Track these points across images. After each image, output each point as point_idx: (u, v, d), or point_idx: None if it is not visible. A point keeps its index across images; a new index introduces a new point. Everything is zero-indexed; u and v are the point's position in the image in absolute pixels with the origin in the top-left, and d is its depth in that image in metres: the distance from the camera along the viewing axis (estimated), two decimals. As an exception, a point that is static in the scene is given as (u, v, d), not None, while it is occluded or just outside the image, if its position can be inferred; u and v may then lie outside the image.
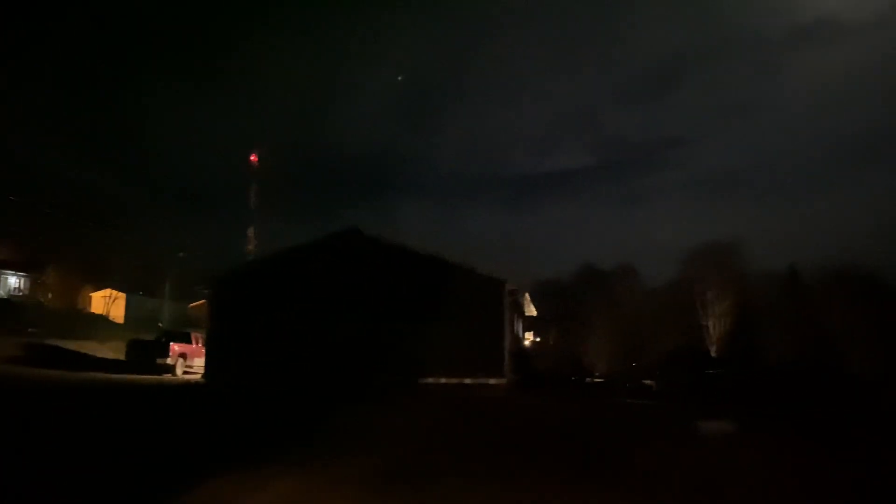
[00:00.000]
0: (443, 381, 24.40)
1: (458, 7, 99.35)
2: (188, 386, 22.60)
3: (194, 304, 47.32)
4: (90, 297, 50.08)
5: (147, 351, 28.35)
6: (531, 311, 45.85)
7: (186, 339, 29.79)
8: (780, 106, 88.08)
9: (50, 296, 45.75)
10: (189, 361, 28.64)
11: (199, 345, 28.36)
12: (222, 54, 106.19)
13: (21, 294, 45.15)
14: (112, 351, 32.69)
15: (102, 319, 45.18)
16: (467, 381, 26.06)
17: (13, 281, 45.92)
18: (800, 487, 8.27)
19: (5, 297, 43.34)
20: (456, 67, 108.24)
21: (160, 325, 45.11)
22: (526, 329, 44.03)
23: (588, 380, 40.55)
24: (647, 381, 40.64)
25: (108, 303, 49.05)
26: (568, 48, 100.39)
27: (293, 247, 26.48)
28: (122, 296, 49.71)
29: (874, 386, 35.73)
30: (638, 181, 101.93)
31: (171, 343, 28.44)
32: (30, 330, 33.97)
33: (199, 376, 25.99)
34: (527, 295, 44.83)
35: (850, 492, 8.22)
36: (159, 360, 27.47)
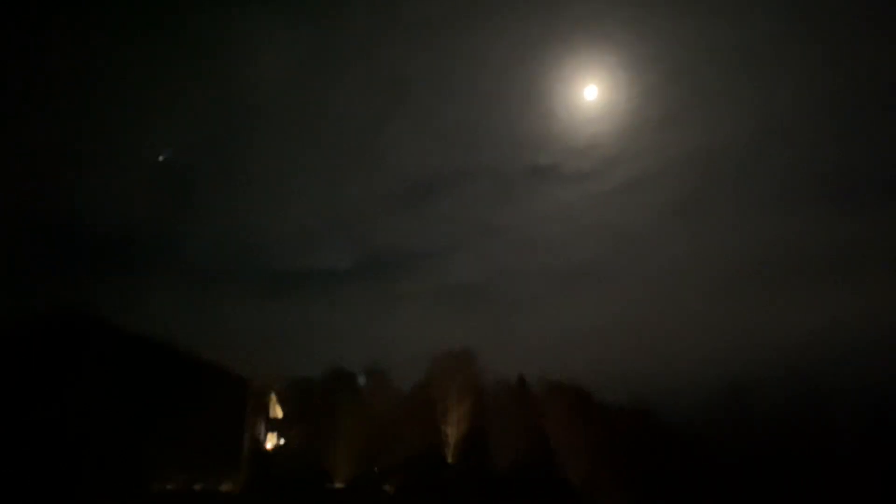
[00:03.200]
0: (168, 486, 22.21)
1: (230, 96, 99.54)
2: None
3: None
4: None
5: None
6: (276, 411, 44.10)
7: None
8: (517, 229, 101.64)
9: None
10: None
11: None
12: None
13: None
14: None
15: None
16: (197, 487, 23.95)
17: None
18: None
19: None
20: (224, 153, 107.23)
21: None
22: (270, 429, 42.16)
23: (329, 485, 39.79)
24: (387, 487, 41.15)
25: None
26: (336, 153, 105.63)
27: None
28: None
29: (581, 492, 40.54)
30: (391, 285, 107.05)
31: None
32: None
33: None
34: (273, 395, 43.27)
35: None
36: None
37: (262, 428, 41.72)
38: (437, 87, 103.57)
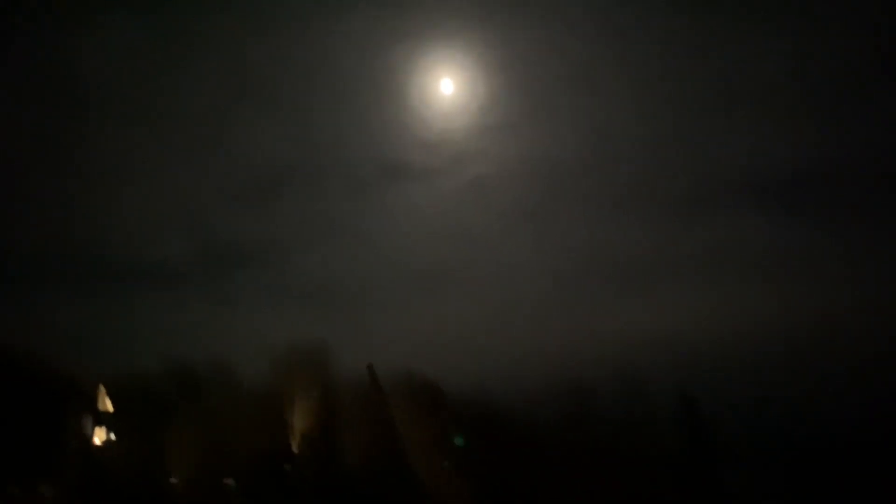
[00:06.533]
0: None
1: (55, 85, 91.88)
2: None
3: None
4: None
5: None
6: (106, 405, 41.52)
7: None
8: (367, 226, 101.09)
9: None
10: None
11: None
12: None
13: None
14: None
15: None
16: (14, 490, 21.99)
17: None
18: None
19: None
20: (52, 142, 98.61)
21: None
22: (98, 424, 39.65)
23: (165, 481, 38.24)
24: (228, 481, 40.10)
25: None
26: (177, 144, 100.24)
27: None
28: None
29: (426, 482, 41.70)
30: (235, 280, 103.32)
31: None
32: None
33: None
34: (101, 387, 40.70)
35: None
36: None
37: (90, 423, 39.20)
38: (286, 78, 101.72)
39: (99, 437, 40.04)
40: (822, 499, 43.57)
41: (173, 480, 38.53)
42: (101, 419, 40.69)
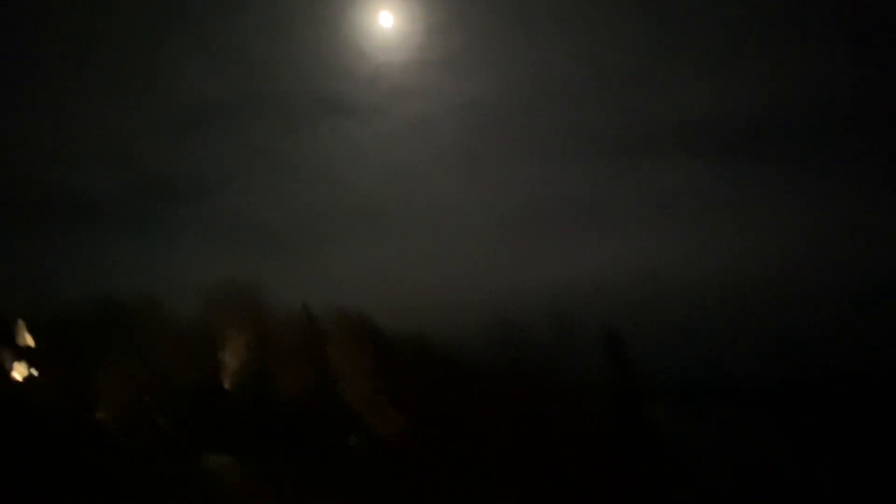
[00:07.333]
0: None
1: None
2: None
3: None
4: None
5: None
6: (26, 339, 40.28)
7: None
8: (303, 163, 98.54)
9: None
10: None
11: None
12: None
13: None
14: None
15: None
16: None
17: None
18: None
19: None
20: None
21: None
22: (18, 358, 38.51)
23: (92, 416, 37.61)
24: (158, 417, 39.70)
25: None
26: (104, 74, 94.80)
27: None
28: None
29: (361, 416, 42.24)
30: (165, 215, 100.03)
31: None
32: None
33: None
34: (20, 322, 39.38)
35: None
36: None
37: (9, 357, 38.00)
38: (218, 5, 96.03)
39: (19, 372, 38.87)
40: (749, 435, 46.12)
41: (100, 416, 37.97)
42: (22, 354, 39.54)
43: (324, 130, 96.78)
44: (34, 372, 39.24)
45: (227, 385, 41.16)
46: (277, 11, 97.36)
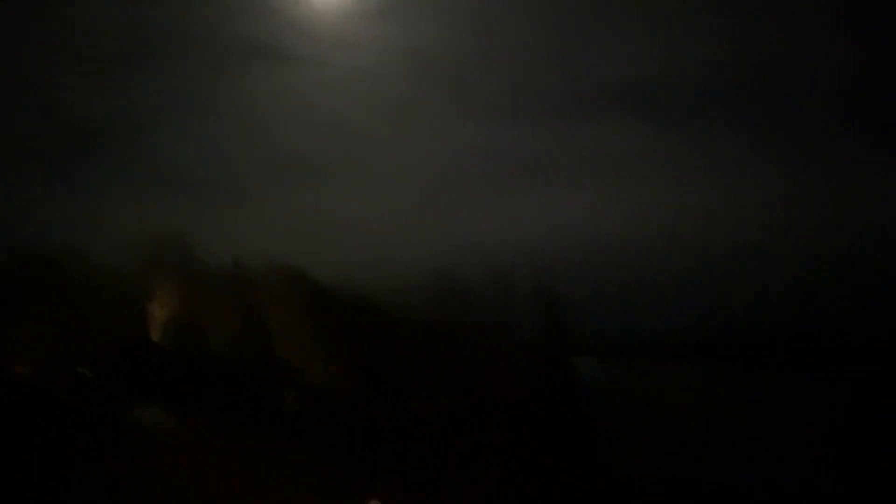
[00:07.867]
0: None
1: None
2: None
3: None
4: None
5: None
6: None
7: None
8: (233, 109, 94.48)
9: None
10: None
11: None
12: None
13: None
14: None
15: None
16: None
17: None
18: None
19: None
20: None
21: None
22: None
23: (11, 369, 36.48)
24: (82, 370, 38.82)
25: None
26: (24, 18, 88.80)
27: None
28: None
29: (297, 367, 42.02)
30: (87, 160, 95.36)
31: None
32: None
33: None
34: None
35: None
36: None
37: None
38: None
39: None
40: (683, 392, 47.19)
41: (20, 370, 36.88)
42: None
43: (255, 76, 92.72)
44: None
45: (155, 338, 40.35)
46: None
